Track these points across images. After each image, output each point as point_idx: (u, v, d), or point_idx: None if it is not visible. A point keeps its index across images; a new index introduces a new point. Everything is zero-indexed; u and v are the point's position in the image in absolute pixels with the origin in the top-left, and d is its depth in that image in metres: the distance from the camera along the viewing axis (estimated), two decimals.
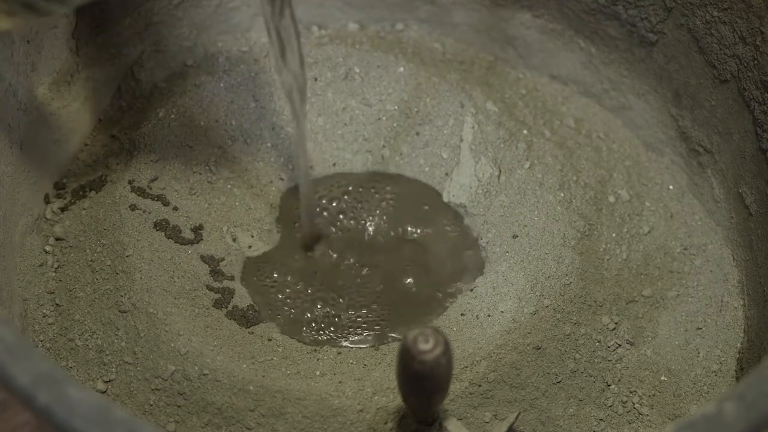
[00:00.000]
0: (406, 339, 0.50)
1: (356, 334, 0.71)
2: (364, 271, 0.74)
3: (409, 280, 0.74)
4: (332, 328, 0.71)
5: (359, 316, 0.71)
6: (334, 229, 0.76)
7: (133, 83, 0.80)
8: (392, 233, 0.76)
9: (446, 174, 0.78)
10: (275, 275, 0.73)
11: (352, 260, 0.75)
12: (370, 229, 0.76)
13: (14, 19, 0.52)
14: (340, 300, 0.72)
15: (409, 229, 0.76)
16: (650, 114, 0.78)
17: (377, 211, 0.77)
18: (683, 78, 0.74)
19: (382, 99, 0.80)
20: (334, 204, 0.77)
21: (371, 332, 0.71)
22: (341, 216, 0.77)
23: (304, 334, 0.70)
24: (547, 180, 0.75)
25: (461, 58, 0.84)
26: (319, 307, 0.72)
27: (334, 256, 0.75)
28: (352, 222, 0.77)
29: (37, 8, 0.51)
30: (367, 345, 0.69)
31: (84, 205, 0.73)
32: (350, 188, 0.78)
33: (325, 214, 0.77)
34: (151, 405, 0.63)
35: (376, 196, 0.78)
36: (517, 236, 0.73)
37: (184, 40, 0.82)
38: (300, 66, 0.66)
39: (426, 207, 0.77)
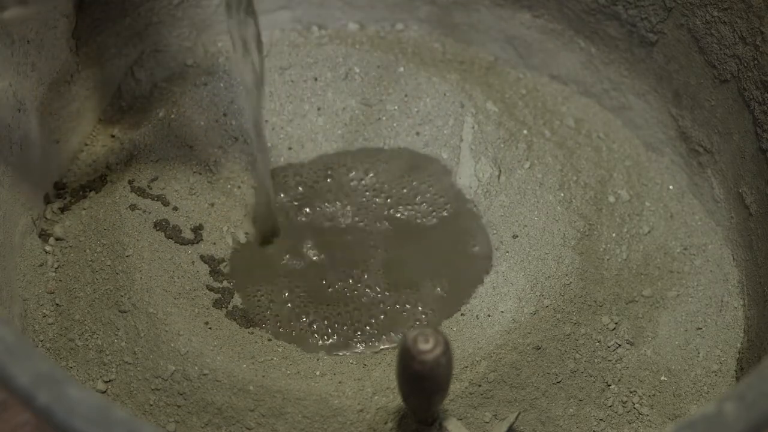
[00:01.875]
0: (406, 339, 0.50)
1: (354, 338, 0.70)
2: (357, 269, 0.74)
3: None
4: (329, 335, 0.71)
5: (357, 320, 0.71)
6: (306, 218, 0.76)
7: (133, 83, 0.80)
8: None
9: None
10: (266, 289, 0.73)
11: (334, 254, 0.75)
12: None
13: None
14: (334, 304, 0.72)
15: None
16: (650, 114, 0.78)
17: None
18: (683, 78, 0.74)
19: (382, 99, 0.80)
20: (301, 189, 0.77)
21: (369, 336, 0.71)
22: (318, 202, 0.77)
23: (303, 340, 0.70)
24: (547, 180, 0.75)
25: (461, 58, 0.84)
26: (311, 314, 0.71)
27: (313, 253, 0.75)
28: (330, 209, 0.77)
29: None
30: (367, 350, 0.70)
31: (84, 205, 0.73)
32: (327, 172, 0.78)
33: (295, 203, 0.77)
34: (151, 405, 0.63)
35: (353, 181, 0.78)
36: (517, 236, 0.73)
37: (184, 40, 0.82)
38: (258, 60, 0.67)
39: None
